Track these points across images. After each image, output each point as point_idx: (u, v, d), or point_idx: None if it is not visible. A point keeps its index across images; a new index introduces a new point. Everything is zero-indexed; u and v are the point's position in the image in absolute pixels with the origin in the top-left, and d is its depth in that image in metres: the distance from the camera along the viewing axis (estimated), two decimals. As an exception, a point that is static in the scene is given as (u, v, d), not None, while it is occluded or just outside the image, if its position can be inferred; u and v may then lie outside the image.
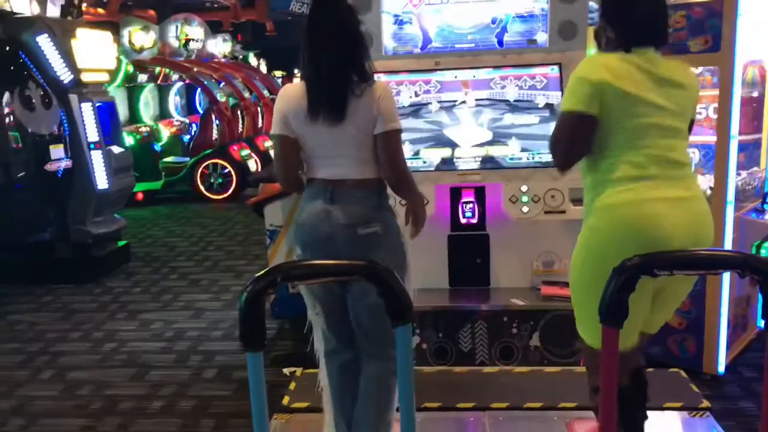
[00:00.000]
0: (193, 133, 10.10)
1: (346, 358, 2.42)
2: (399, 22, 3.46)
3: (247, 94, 10.05)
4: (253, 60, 19.07)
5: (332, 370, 2.47)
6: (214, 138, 9.18)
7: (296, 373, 3.40)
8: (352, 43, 2.17)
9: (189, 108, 11.43)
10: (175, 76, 10.00)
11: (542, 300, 3.27)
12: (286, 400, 3.01)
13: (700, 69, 3.25)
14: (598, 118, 2.03)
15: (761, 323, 3.74)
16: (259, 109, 10.32)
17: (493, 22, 3.41)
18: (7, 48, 5.43)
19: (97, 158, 5.56)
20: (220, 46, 11.60)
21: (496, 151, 3.30)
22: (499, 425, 2.73)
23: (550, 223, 3.32)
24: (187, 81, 9.90)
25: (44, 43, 5.38)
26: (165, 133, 9.56)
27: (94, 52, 5.76)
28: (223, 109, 9.11)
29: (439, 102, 3.37)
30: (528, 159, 3.29)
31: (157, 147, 9.43)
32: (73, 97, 5.47)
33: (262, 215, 4.23)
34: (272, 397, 3.27)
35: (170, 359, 3.93)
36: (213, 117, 9.20)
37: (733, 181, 3.11)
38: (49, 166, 5.51)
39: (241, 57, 16.19)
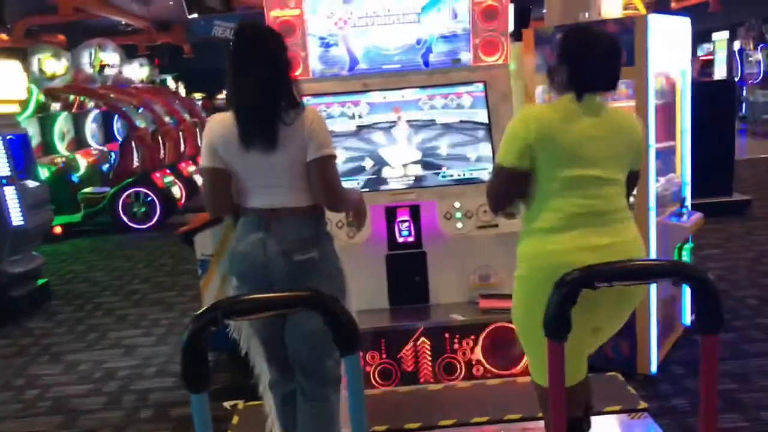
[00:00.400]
0: (112, 162, 9.75)
1: (289, 388, 2.38)
2: (325, 44, 3.46)
3: (167, 119, 9.79)
4: (171, 83, 18.68)
5: (276, 402, 2.44)
6: (135, 166, 8.89)
7: (238, 406, 3.31)
8: (278, 69, 2.14)
9: (107, 136, 11.04)
10: (90, 104, 9.65)
11: (481, 313, 3.31)
12: (228, 437, 2.92)
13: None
14: (529, 171, 2.11)
15: (687, 321, 3.91)
16: (180, 134, 10.08)
17: (418, 42, 3.46)
18: None
19: (10, 194, 5.27)
20: (137, 71, 11.28)
21: (428, 169, 3.33)
22: (448, 443, 2.73)
23: (484, 237, 3.37)
24: (104, 108, 9.57)
25: (-53, 74, 5.09)
26: (83, 163, 9.18)
27: (2, 81, 5.48)
28: (144, 136, 8.84)
29: (371, 124, 3.38)
30: (459, 176, 3.34)
31: (75, 178, 9.06)
32: (-18, 131, 5.18)
33: (192, 245, 4.11)
34: (215, 433, 3.22)
35: (101, 402, 3.73)
36: (133, 144, 8.91)
37: (653, 187, 3.25)
38: (-41, 204, 5.19)
39: (158, 81, 15.82)
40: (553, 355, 1.70)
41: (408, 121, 3.39)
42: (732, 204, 6.79)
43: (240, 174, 2.19)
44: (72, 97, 9.24)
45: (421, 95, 3.43)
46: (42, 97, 8.50)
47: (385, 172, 3.36)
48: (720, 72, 17.26)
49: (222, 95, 23.53)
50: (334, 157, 2.20)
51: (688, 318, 3.91)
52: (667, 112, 3.72)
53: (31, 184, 5.53)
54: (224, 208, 2.27)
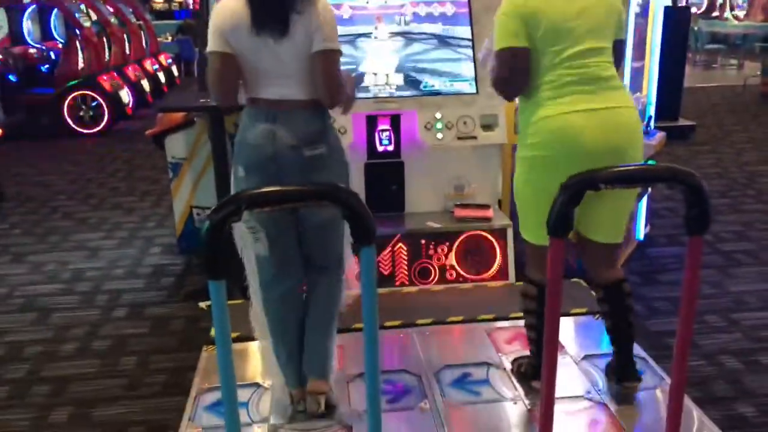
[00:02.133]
0: (52, 62, 9.25)
1: (287, 286, 2.42)
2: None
3: (112, 20, 9.30)
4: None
5: (272, 299, 2.45)
6: (80, 67, 8.47)
7: (218, 306, 3.38)
8: None
9: (43, 34, 10.41)
10: (27, -2, 9.04)
11: (456, 222, 3.44)
12: (213, 332, 2.99)
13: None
14: (528, 49, 2.20)
15: (640, 236, 4.17)
16: (125, 35, 9.60)
17: (404, -53, 3.40)
18: None
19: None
20: (76, -35, 10.56)
21: (410, 80, 3.36)
22: (426, 339, 2.90)
23: (461, 149, 3.47)
24: (41, 2, 8.98)
25: None
26: (21, 61, 8.68)
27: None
28: (89, 35, 8.39)
29: (352, 34, 3.36)
30: (441, 86, 3.38)
31: (13, 78, 8.58)
32: None
33: (163, 147, 4.05)
34: (193, 332, 3.30)
35: (74, 301, 3.74)
36: (77, 44, 8.45)
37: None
38: None
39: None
40: (554, 250, 1.82)
41: (390, 30, 3.38)
42: (678, 129, 7.09)
43: (248, 61, 2.17)
44: (7, -11, 8.62)
45: (405, 2, 3.41)
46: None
47: (367, 80, 3.36)
48: None
49: (160, -1, 22.38)
50: (338, 52, 2.19)
51: (641, 233, 4.17)
52: (639, 32, 3.82)
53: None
54: (232, 96, 2.23)
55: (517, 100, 2.39)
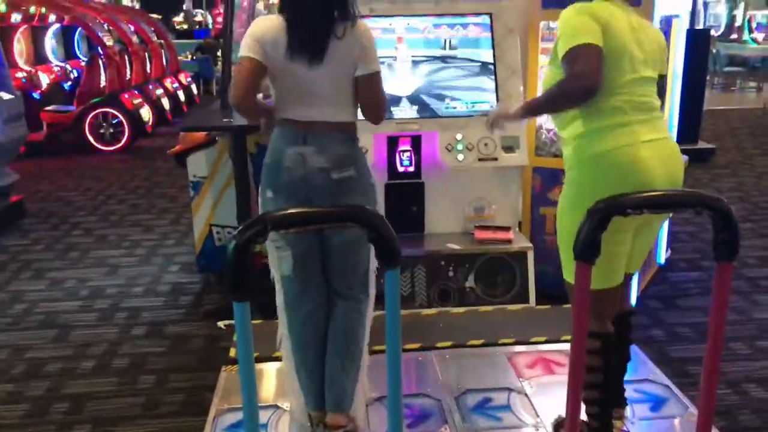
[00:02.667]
0: (74, 80, 9.40)
1: (309, 308, 2.40)
2: (332, -34, 3.39)
3: (134, 39, 9.44)
4: (127, 2, 17.90)
5: (295, 321, 2.43)
6: (101, 85, 8.59)
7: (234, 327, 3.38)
8: None
9: (67, 53, 10.60)
10: (52, 17, 9.19)
11: (476, 244, 3.42)
12: (232, 352, 3.00)
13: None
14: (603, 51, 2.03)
15: (661, 260, 4.12)
16: (147, 54, 9.75)
17: (426, -31, 3.43)
18: None
19: (-17, 106, 5.09)
20: (100, -14, 10.77)
21: (431, 101, 3.37)
22: (447, 362, 2.88)
23: (481, 170, 3.46)
24: (67, 22, 9.14)
25: None
26: (44, 79, 8.83)
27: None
28: (112, 54, 8.52)
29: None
30: (462, 108, 3.39)
31: (36, 95, 8.73)
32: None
33: (185, 166, 4.07)
34: (212, 351, 3.29)
35: (92, 318, 3.75)
36: (100, 63, 8.59)
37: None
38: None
39: (115, -1, 15.15)
40: (581, 275, 1.80)
41: (413, 52, 3.40)
42: (698, 152, 7.04)
43: (281, 82, 2.18)
44: (33, 8, 8.77)
45: (427, 23, 3.43)
46: (3, 7, 8.07)
47: (389, 102, 3.37)
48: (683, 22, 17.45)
49: (179, 18, 22.74)
50: (380, 73, 2.23)
51: (662, 257, 4.12)
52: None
53: (5, 96, 5.33)
54: (249, 99, 2.20)
55: (555, 122, 2.29)
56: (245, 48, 2.16)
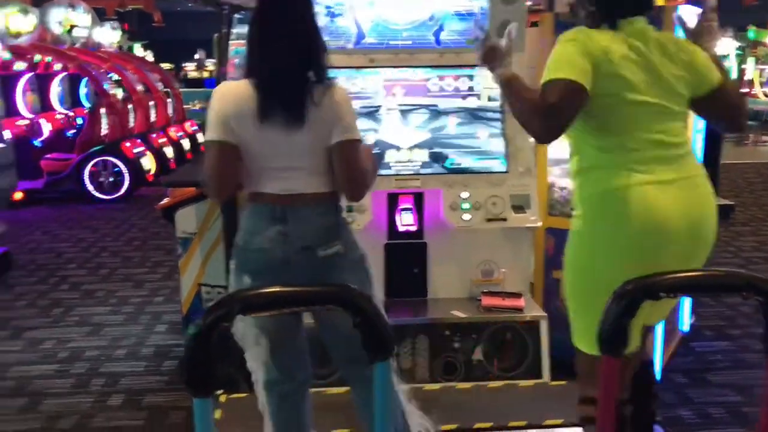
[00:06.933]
0: (78, 128, 9.30)
1: (287, 388, 2.17)
2: (331, 14, 3.21)
3: (139, 87, 9.37)
4: (139, 51, 18.08)
5: (272, 400, 2.22)
6: (103, 134, 8.47)
7: (220, 399, 3.08)
8: (309, 38, 1.93)
9: (72, 101, 10.54)
10: (57, 66, 9.17)
11: (483, 311, 3.13)
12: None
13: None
14: (586, 92, 1.82)
15: (684, 328, 3.81)
16: (151, 103, 9.66)
17: (431, 19, 3.24)
18: None
19: (-29, 155, 4.91)
20: (108, 35, 10.78)
21: (435, 156, 3.15)
22: (450, 449, 2.56)
23: (489, 231, 3.20)
24: (72, 71, 9.10)
25: None
26: (46, 127, 8.73)
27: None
28: (114, 103, 8.43)
29: (373, 106, 3.17)
30: (468, 164, 3.15)
31: (37, 143, 8.62)
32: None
33: (172, 221, 3.83)
34: (193, 427, 2.98)
35: (67, 384, 3.46)
36: (102, 111, 8.48)
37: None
38: None
39: (126, 47, 15.26)
40: (607, 370, 1.53)
41: (415, 102, 3.19)
42: (718, 208, 6.75)
43: (253, 152, 1.95)
44: (38, 57, 8.75)
45: (431, 75, 3.23)
46: (7, 55, 8.02)
47: (389, 156, 3.15)
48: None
49: (190, 66, 23.03)
50: (359, 141, 1.99)
51: (686, 325, 3.81)
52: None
53: (-7, 145, 5.17)
54: (228, 190, 2.03)
55: (568, 163, 2.06)
56: (209, 129, 1.93)
